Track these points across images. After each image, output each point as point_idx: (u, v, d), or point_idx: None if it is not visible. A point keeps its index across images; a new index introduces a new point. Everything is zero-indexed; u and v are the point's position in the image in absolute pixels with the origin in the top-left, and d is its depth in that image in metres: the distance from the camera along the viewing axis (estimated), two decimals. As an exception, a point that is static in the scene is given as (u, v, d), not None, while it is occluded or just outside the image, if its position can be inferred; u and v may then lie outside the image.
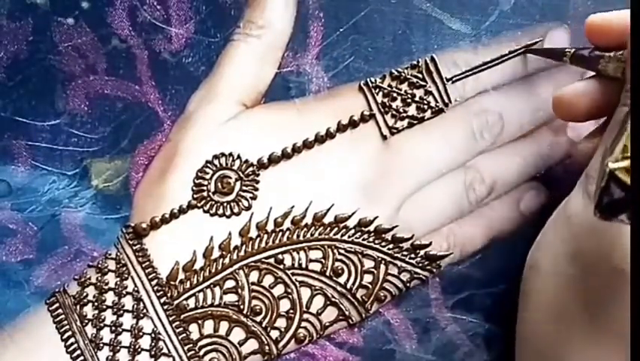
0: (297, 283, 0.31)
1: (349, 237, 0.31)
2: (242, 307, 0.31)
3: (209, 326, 0.30)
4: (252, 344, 0.31)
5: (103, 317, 0.30)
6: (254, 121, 0.32)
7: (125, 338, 0.30)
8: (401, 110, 0.32)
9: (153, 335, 0.30)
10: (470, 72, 0.32)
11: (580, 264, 0.27)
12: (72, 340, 0.29)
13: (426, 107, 0.32)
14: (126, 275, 0.30)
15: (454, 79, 0.32)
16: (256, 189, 0.31)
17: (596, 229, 0.26)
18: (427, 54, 0.33)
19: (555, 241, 0.28)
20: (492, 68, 0.32)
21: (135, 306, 0.30)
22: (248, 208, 0.31)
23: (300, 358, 0.32)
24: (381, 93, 0.32)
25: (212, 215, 0.31)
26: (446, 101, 0.33)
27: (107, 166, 0.32)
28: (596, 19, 0.28)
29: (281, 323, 0.31)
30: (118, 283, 0.30)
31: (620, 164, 0.21)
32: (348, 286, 0.31)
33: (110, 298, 0.30)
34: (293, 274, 0.31)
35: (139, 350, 0.30)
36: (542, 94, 0.33)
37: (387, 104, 0.32)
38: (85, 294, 0.30)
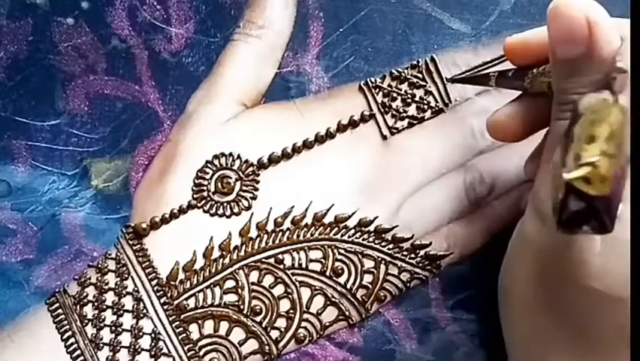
0: (297, 283, 0.31)
1: (349, 237, 0.31)
2: (242, 307, 0.31)
3: (209, 326, 0.30)
4: (252, 344, 0.31)
5: (103, 317, 0.30)
6: (254, 121, 0.32)
7: (125, 338, 0.30)
8: (401, 110, 0.32)
9: (153, 335, 0.30)
10: (470, 72, 0.33)
11: (548, 287, 0.26)
12: (72, 340, 0.29)
13: (426, 107, 0.32)
14: (126, 275, 0.30)
15: (453, 79, 0.32)
16: (256, 189, 0.31)
17: (556, 251, 0.25)
18: (427, 54, 0.33)
19: (519, 266, 0.28)
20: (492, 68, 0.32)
21: (135, 306, 0.30)
22: (248, 208, 0.31)
23: (300, 358, 0.32)
24: (381, 93, 0.32)
25: (212, 215, 0.31)
26: (446, 101, 0.33)
27: (107, 166, 0.32)
28: (512, 41, 0.28)
29: (281, 323, 0.31)
30: (118, 283, 0.30)
31: (575, 173, 0.20)
32: (348, 286, 0.31)
33: (110, 298, 0.30)
34: (293, 274, 0.31)
35: (139, 350, 0.30)
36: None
37: (387, 104, 0.32)
38: (85, 294, 0.30)
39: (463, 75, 0.32)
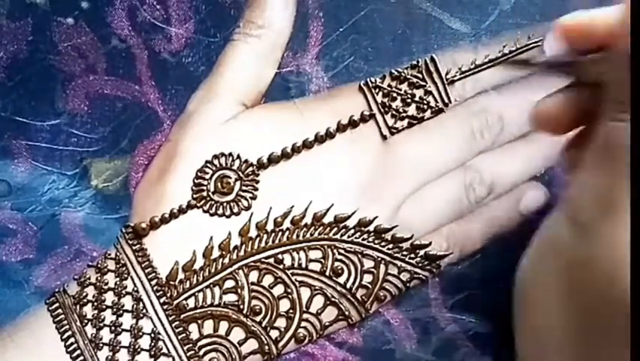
0: (296, 283, 0.31)
1: (349, 237, 0.31)
2: (242, 307, 0.31)
3: (208, 326, 0.30)
4: (252, 344, 0.31)
5: (102, 317, 0.30)
6: (254, 121, 0.32)
7: (125, 338, 0.30)
8: (401, 110, 0.32)
9: (153, 335, 0.30)
10: (470, 72, 0.33)
11: (575, 299, 0.24)
12: (72, 340, 0.29)
13: (426, 107, 0.32)
14: (126, 275, 0.30)
15: (453, 79, 0.32)
16: (256, 189, 0.31)
17: (592, 262, 0.23)
18: (427, 54, 0.33)
19: (544, 273, 0.26)
20: (491, 68, 0.32)
21: (135, 306, 0.30)
22: (247, 208, 0.31)
23: (300, 358, 0.32)
24: (381, 93, 0.32)
25: (212, 215, 0.31)
26: (446, 101, 0.33)
27: (107, 166, 0.32)
28: (574, 21, 0.25)
29: (281, 322, 0.31)
30: (117, 283, 0.30)
31: None
32: (348, 286, 0.31)
33: (109, 298, 0.30)
34: (293, 274, 0.31)
35: (138, 350, 0.30)
36: (542, 94, 0.33)
37: (387, 104, 0.32)
38: (85, 294, 0.30)
39: (463, 75, 0.32)
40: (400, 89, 0.33)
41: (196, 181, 0.31)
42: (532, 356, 0.27)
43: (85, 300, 0.30)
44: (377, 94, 0.32)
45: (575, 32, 0.25)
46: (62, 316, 0.30)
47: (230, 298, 0.31)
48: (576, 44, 0.26)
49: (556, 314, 0.25)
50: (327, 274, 0.31)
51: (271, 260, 0.31)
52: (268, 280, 0.31)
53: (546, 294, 0.26)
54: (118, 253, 0.31)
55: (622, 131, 0.21)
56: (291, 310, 0.31)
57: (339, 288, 0.31)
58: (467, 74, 0.33)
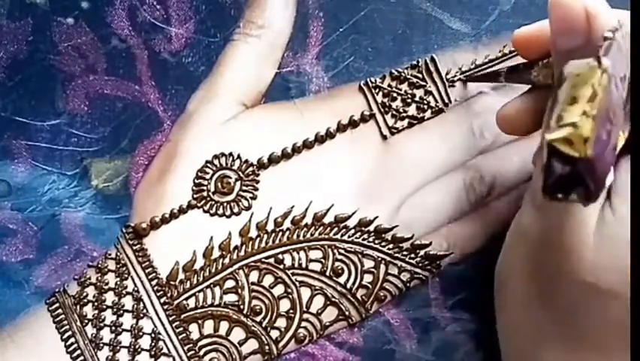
0: (297, 283, 0.31)
1: (349, 237, 0.31)
2: (242, 307, 0.31)
3: (209, 326, 0.30)
4: (252, 344, 0.31)
5: (103, 317, 0.30)
6: (254, 121, 0.32)
7: (125, 338, 0.30)
8: (401, 110, 0.32)
9: (153, 335, 0.30)
10: (470, 72, 0.33)
11: (541, 279, 0.26)
12: (72, 340, 0.29)
13: (426, 107, 0.32)
14: (126, 275, 0.30)
15: (453, 79, 0.32)
16: (256, 189, 0.31)
17: (552, 242, 0.25)
18: (427, 54, 0.33)
19: (515, 259, 0.28)
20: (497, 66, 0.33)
21: (135, 306, 0.30)
22: (248, 208, 0.31)
23: (300, 358, 0.32)
24: (381, 93, 0.32)
25: (212, 215, 0.31)
26: (446, 101, 0.33)
27: (107, 166, 0.32)
28: (520, 34, 0.28)
29: (281, 322, 0.31)
30: (118, 283, 0.30)
31: (556, 134, 0.20)
32: (348, 286, 0.31)
33: (110, 298, 0.30)
34: (293, 274, 0.31)
35: (139, 350, 0.30)
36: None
37: (387, 104, 0.32)
38: (85, 294, 0.30)
39: (470, 72, 0.32)
40: (400, 89, 0.33)
41: (196, 181, 0.31)
42: (509, 337, 0.29)
43: (85, 300, 0.30)
44: (377, 94, 0.32)
45: (523, 43, 0.29)
46: (62, 316, 0.30)
47: (231, 298, 0.31)
48: (526, 53, 0.29)
49: (527, 297, 0.27)
50: (327, 274, 0.31)
51: (271, 260, 0.31)
52: (268, 280, 0.31)
53: (516, 278, 0.28)
54: (118, 253, 0.31)
55: None
56: (291, 311, 0.31)
57: (339, 288, 0.31)
58: (467, 74, 0.33)
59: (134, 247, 0.31)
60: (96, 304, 0.30)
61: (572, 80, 0.22)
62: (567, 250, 0.25)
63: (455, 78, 0.33)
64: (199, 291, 0.30)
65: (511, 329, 0.29)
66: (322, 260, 0.31)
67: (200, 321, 0.30)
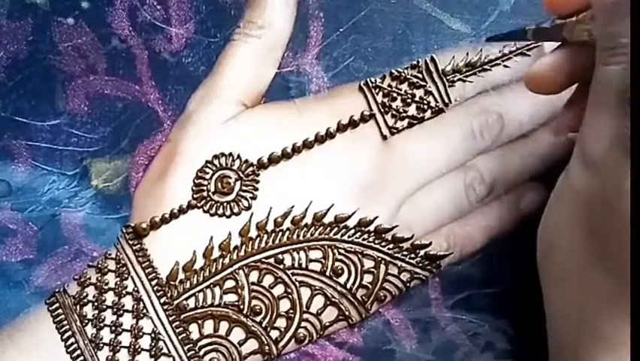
0: (297, 283, 0.31)
1: (349, 237, 0.31)
2: (242, 307, 0.31)
3: (209, 326, 0.30)
4: (252, 344, 0.31)
5: (103, 317, 0.30)
6: (254, 121, 0.32)
7: (125, 338, 0.30)
8: (401, 110, 0.32)
9: (153, 335, 0.30)
10: (470, 72, 0.33)
11: (597, 235, 0.25)
12: (72, 340, 0.29)
13: (426, 107, 0.32)
14: (126, 275, 0.30)
15: (453, 79, 0.32)
16: (256, 189, 0.31)
17: (609, 199, 0.24)
18: (427, 54, 0.33)
19: (566, 219, 0.27)
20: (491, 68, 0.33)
21: (135, 306, 0.30)
22: (248, 208, 0.31)
23: (300, 358, 0.32)
24: (381, 93, 0.32)
25: (212, 215, 0.31)
26: (446, 101, 0.33)
27: (107, 166, 0.32)
28: None
29: (281, 322, 0.31)
30: (118, 283, 0.30)
31: None
32: (348, 286, 0.31)
33: (109, 298, 0.30)
34: (293, 274, 0.31)
35: (139, 350, 0.30)
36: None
37: (387, 104, 0.32)
38: (85, 294, 0.30)
39: (470, 72, 0.32)
40: (400, 89, 0.33)
41: (196, 181, 0.31)
42: (562, 305, 0.28)
43: (85, 300, 0.30)
44: (377, 94, 0.32)
45: (554, 1, 0.28)
46: (62, 316, 0.30)
47: (231, 298, 0.31)
48: (558, 10, 0.28)
49: (579, 256, 0.26)
50: (327, 274, 0.31)
51: (271, 260, 0.31)
52: (268, 280, 0.31)
53: (567, 238, 0.27)
54: (118, 253, 0.31)
55: (613, 72, 0.24)
56: (291, 311, 0.31)
57: (339, 288, 0.31)
58: (467, 74, 0.33)
59: (134, 247, 0.31)
60: (96, 304, 0.30)
61: None
62: (625, 204, 0.23)
63: (455, 78, 0.32)
64: (199, 291, 0.30)
65: (566, 291, 0.28)
66: (322, 260, 0.31)
67: (200, 321, 0.30)
